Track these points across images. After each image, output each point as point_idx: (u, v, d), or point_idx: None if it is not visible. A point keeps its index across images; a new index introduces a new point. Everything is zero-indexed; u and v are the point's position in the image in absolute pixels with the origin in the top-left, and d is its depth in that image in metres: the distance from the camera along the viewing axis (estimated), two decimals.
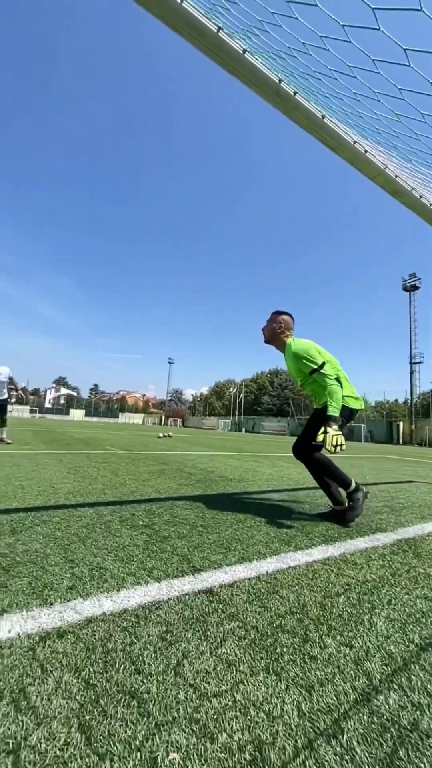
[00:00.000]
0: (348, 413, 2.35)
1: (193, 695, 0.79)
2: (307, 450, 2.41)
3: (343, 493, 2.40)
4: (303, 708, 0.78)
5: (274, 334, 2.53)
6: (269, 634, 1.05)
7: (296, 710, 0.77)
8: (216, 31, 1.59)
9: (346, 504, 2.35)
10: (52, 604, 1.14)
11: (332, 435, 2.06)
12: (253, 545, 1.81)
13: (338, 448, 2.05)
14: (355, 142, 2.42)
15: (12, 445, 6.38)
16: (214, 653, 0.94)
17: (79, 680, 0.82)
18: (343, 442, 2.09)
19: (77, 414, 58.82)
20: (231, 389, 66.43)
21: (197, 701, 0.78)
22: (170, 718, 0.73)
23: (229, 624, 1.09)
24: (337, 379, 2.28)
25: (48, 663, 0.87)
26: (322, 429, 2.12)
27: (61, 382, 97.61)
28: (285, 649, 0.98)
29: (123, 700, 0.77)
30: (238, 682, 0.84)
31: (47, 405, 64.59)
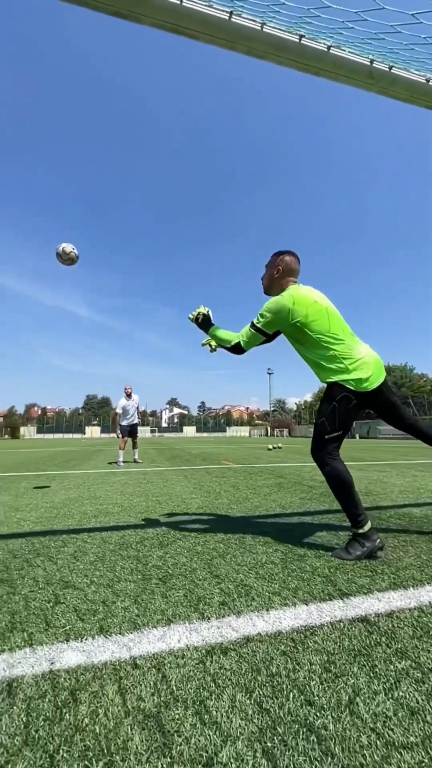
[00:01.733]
0: (353, 394, 1.77)
1: (378, 742, 0.72)
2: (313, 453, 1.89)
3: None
4: None
5: (272, 281, 2.00)
6: None
7: None
8: (298, 40, 1.58)
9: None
10: (209, 618, 1.20)
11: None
12: (404, 569, 1.61)
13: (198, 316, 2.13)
14: None
15: (143, 463, 7.19)
16: (389, 695, 0.85)
17: (252, 702, 0.83)
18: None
19: (189, 430, 63.22)
20: None
21: (385, 750, 0.70)
22: (357, 764, 0.68)
23: (400, 663, 0.97)
24: (335, 358, 1.77)
25: (219, 679, 0.91)
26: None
27: (173, 402, 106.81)
28: None
29: (300, 732, 0.75)
30: (429, 736, 0.74)
31: (164, 424, 71.28)
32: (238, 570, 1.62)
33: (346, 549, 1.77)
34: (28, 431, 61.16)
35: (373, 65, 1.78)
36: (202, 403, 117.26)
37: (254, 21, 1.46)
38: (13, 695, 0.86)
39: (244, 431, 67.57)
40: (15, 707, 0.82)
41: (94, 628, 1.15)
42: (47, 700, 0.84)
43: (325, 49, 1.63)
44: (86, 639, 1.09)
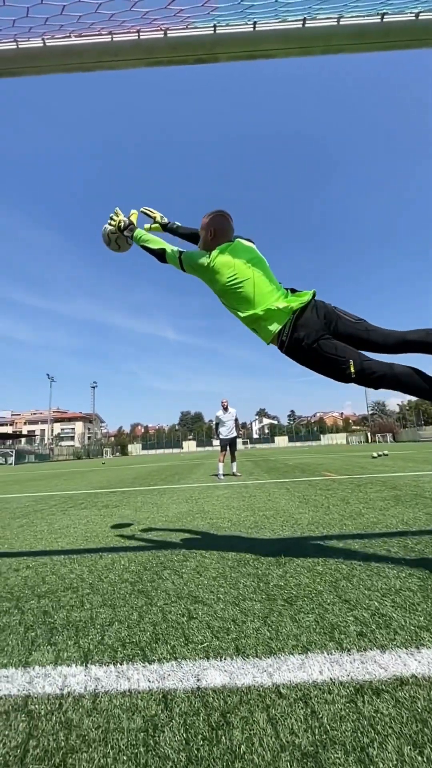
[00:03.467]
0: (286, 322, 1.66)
1: None
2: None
3: None
4: None
5: (207, 245, 1.88)
6: None
7: None
8: (380, 19, 1.48)
9: None
10: (349, 650, 1.11)
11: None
12: None
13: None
14: None
15: (241, 476, 7.26)
16: None
17: (425, 760, 0.72)
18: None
19: (281, 440, 61.92)
20: None
21: None
22: None
23: None
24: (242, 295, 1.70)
25: (377, 724, 0.82)
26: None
27: (262, 413, 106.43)
28: None
29: None
30: None
31: (255, 435, 71.33)
32: (370, 596, 1.47)
33: None
34: (134, 448, 67.71)
35: None
36: (292, 411, 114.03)
37: (330, 18, 1.42)
38: (169, 708, 0.91)
39: (340, 438, 63.26)
40: (173, 721, 0.86)
41: (231, 647, 1.16)
42: (201, 718, 0.87)
43: (413, 18, 1.49)
44: (225, 658, 1.10)
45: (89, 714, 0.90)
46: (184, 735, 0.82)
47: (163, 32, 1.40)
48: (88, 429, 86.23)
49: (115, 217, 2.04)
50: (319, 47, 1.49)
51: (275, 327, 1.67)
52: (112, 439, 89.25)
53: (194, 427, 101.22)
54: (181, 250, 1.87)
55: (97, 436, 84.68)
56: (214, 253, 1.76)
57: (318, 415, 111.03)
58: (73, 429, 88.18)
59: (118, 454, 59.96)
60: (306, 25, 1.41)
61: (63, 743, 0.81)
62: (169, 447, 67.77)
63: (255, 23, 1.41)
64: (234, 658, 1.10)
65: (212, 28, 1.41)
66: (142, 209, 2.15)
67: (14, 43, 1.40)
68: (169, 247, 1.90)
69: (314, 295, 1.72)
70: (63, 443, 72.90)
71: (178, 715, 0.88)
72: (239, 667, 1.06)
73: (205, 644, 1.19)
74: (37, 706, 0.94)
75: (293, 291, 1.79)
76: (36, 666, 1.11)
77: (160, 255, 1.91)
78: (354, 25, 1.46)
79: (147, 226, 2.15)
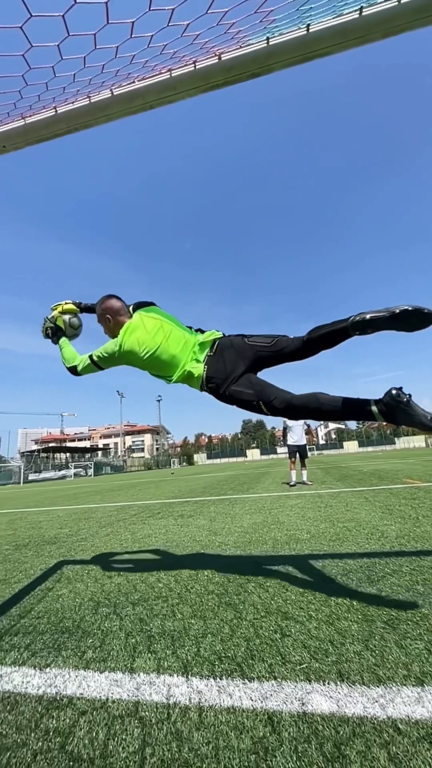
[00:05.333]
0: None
1: None
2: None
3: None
4: None
5: (110, 330, 1.90)
6: None
7: None
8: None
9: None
10: None
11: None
12: None
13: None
14: None
15: (312, 484, 6.97)
16: None
17: None
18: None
19: (350, 446, 58.38)
20: None
21: None
22: None
23: None
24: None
25: None
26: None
27: None
28: None
29: None
30: None
31: (321, 441, 68.35)
32: None
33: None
34: (200, 458, 69.21)
35: None
36: None
37: (389, 1, 1.34)
38: (277, 731, 0.88)
39: (418, 441, 57.56)
40: (284, 746, 0.83)
41: (332, 671, 1.10)
42: (313, 746, 0.82)
43: None
44: (328, 683, 1.04)
45: (198, 728, 0.91)
46: (298, 763, 0.78)
47: (217, 57, 1.45)
48: (156, 440, 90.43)
49: (47, 321, 2.07)
50: (380, 32, 1.41)
51: (196, 382, 1.71)
52: (179, 449, 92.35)
53: (257, 435, 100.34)
54: (90, 353, 1.86)
55: (164, 447, 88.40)
56: (120, 336, 1.75)
57: None
58: (142, 441, 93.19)
59: (184, 463, 61.76)
60: (363, 14, 1.36)
61: (177, 755, 0.83)
62: (233, 456, 67.97)
63: (308, 26, 1.39)
64: (338, 683, 1.04)
65: (265, 42, 1.42)
66: (57, 311, 2.11)
67: (87, 99, 1.57)
68: (78, 359, 1.89)
69: (218, 338, 1.74)
70: (134, 455, 77.30)
71: (287, 740, 0.85)
72: (346, 695, 0.99)
73: (304, 665, 1.14)
74: (147, 713, 0.98)
75: (201, 331, 1.85)
76: (141, 673, 1.16)
77: (73, 371, 1.91)
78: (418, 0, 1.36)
79: (62, 308, 2.11)
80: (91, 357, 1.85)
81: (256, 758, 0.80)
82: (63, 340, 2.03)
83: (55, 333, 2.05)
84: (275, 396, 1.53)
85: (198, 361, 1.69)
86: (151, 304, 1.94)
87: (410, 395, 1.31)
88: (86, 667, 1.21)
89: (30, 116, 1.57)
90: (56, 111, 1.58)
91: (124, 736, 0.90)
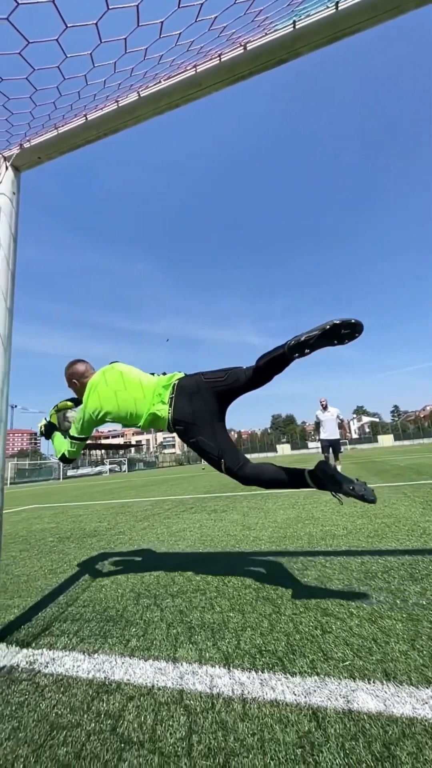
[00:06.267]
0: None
1: None
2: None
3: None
4: None
5: (79, 393, 2.03)
6: None
7: None
8: None
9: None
10: None
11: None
12: None
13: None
14: None
15: None
16: None
17: None
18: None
19: (385, 440, 56.22)
20: None
21: None
22: None
23: None
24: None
25: None
26: None
27: (360, 411, 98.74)
28: None
29: None
30: None
31: (354, 435, 66.42)
32: None
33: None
34: None
35: None
36: (395, 407, 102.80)
37: None
38: (323, 727, 0.87)
39: None
40: (330, 742, 0.83)
41: (377, 670, 1.07)
42: (361, 745, 0.81)
43: None
44: (374, 682, 1.02)
45: (242, 719, 0.92)
46: (346, 760, 0.78)
47: (243, 47, 1.43)
48: None
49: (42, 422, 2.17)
50: (413, 2, 1.34)
51: (163, 423, 1.72)
52: None
53: (287, 429, 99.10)
54: (69, 433, 1.96)
55: None
56: (84, 399, 1.83)
57: (428, 408, 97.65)
58: (173, 437, 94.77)
59: None
60: None
61: (223, 744, 0.85)
62: (263, 451, 67.54)
63: (337, 3, 1.33)
64: (384, 683, 1.01)
65: (291, 26, 1.38)
66: (52, 410, 2.19)
67: (115, 104, 1.60)
68: (64, 446, 1.98)
69: (179, 378, 1.76)
70: (166, 451, 78.89)
71: (333, 736, 0.84)
72: (393, 694, 0.96)
73: (347, 663, 1.12)
74: (191, 702, 1.00)
75: (165, 374, 1.88)
76: (184, 662, 1.19)
77: (64, 459, 1.99)
78: None
79: (57, 407, 2.18)
80: (70, 436, 1.94)
81: (302, 752, 0.80)
82: (55, 434, 2.11)
83: (49, 430, 2.14)
84: (233, 461, 1.63)
85: (163, 402, 1.72)
86: (114, 362, 2.01)
87: (335, 467, 1.55)
88: (131, 655, 1.26)
89: (62, 126, 1.63)
90: (86, 118, 1.62)
91: (170, 723, 0.93)
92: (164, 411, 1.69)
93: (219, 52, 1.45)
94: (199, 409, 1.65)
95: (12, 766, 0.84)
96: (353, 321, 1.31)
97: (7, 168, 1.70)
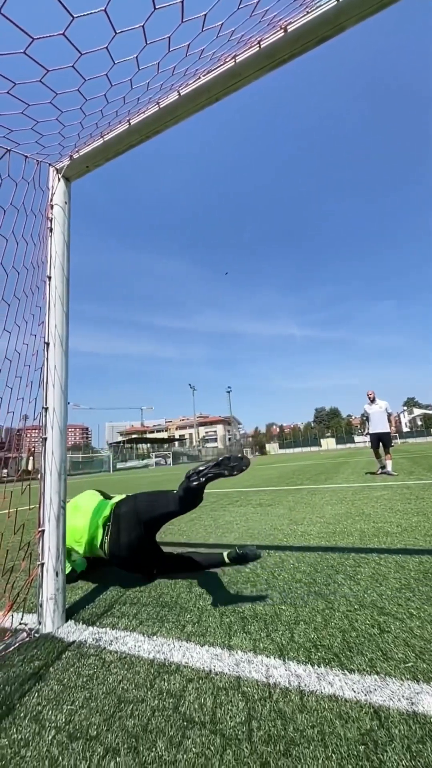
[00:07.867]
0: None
1: None
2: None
3: None
4: None
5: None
6: None
7: None
8: None
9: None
10: None
11: None
12: None
13: None
14: None
15: (397, 475, 6.45)
16: None
17: None
18: None
19: None
20: None
21: None
22: None
23: None
24: None
25: None
26: None
27: (411, 403, 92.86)
28: None
29: None
30: None
31: (405, 429, 62.70)
32: None
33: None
34: (272, 447, 68.78)
35: None
36: None
37: None
38: (386, 727, 0.85)
39: None
40: (395, 742, 0.81)
41: None
42: (428, 748, 0.78)
43: None
44: None
45: (300, 710, 0.93)
46: (412, 762, 0.75)
47: (283, 30, 1.38)
48: (228, 431, 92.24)
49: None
50: None
51: (100, 550, 1.89)
52: (250, 439, 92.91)
53: (331, 423, 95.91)
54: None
55: (236, 437, 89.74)
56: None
57: None
58: (215, 431, 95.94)
59: (257, 453, 61.95)
60: None
61: (282, 732, 0.86)
62: (306, 445, 65.97)
63: None
64: None
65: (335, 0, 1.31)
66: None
67: (156, 106, 1.63)
68: (79, 566, 2.13)
69: (116, 503, 1.98)
70: (208, 444, 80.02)
71: (398, 737, 0.82)
72: None
73: (410, 664, 1.08)
74: (249, 689, 1.03)
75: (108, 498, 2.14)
76: (239, 651, 1.22)
77: (73, 575, 2.09)
78: None
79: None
80: (75, 562, 2.10)
81: (365, 749, 0.79)
82: (77, 561, 2.18)
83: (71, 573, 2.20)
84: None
85: (99, 527, 1.90)
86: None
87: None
88: (188, 640, 1.32)
89: (107, 133, 1.69)
90: (129, 123, 1.67)
91: (230, 707, 0.96)
92: (99, 535, 1.89)
93: (258, 39, 1.42)
94: (132, 540, 1.85)
95: (87, 731, 0.92)
96: (240, 455, 1.70)
97: (59, 180, 1.80)
